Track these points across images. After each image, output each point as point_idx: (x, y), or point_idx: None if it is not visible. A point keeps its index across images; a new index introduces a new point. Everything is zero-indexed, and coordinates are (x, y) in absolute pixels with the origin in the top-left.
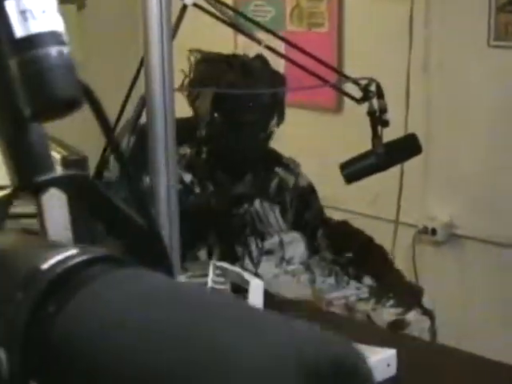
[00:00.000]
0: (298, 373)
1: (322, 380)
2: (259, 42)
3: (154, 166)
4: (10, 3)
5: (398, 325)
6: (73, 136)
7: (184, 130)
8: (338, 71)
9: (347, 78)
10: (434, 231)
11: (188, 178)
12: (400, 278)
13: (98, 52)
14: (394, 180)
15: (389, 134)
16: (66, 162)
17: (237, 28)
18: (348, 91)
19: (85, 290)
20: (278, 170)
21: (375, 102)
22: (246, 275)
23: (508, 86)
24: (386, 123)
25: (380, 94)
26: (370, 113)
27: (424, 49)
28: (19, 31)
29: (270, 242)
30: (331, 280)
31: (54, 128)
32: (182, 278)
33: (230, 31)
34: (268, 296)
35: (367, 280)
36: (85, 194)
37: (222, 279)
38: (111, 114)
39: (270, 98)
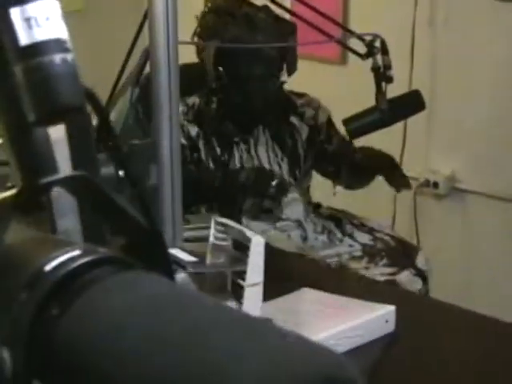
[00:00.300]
0: (289, 382)
1: None
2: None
3: (158, 121)
4: (15, 11)
5: (389, 285)
6: None
7: (195, 79)
8: (343, 26)
9: (352, 33)
10: (435, 184)
11: (194, 131)
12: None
13: (99, 0)
14: (397, 134)
15: (393, 90)
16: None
17: None
18: (353, 46)
19: (88, 293)
20: (293, 119)
21: (379, 58)
22: (248, 232)
23: None
24: (390, 79)
25: (384, 51)
26: (374, 69)
27: (430, 4)
28: (24, 39)
29: (269, 201)
30: (323, 237)
31: None
32: (184, 230)
33: None
34: (270, 251)
35: (362, 237)
36: (89, 195)
37: (223, 235)
38: (113, 64)
39: (277, 49)
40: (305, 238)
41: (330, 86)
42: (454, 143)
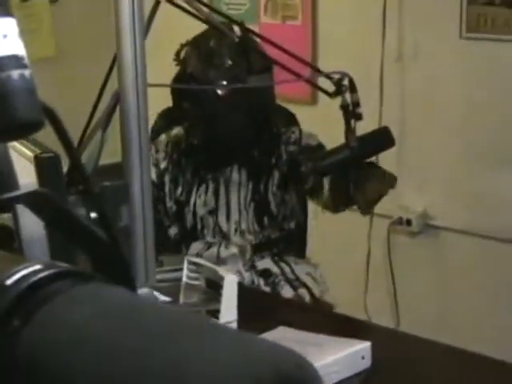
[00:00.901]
0: (247, 381)
1: None
2: (233, 37)
3: (128, 162)
4: None
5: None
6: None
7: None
8: (312, 66)
9: (320, 72)
10: (408, 222)
11: (162, 165)
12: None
13: (71, 46)
14: None
15: (363, 126)
16: (38, 160)
17: (210, 23)
18: (322, 85)
19: (49, 305)
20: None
21: (348, 95)
22: (221, 271)
23: (480, 78)
24: (359, 116)
25: (353, 88)
26: (343, 106)
27: (397, 40)
28: None
29: (208, 254)
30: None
31: None
32: (157, 272)
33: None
34: (242, 290)
35: (287, 292)
36: (49, 211)
37: (196, 274)
38: (85, 109)
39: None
40: None
41: (301, 125)
42: (425, 178)
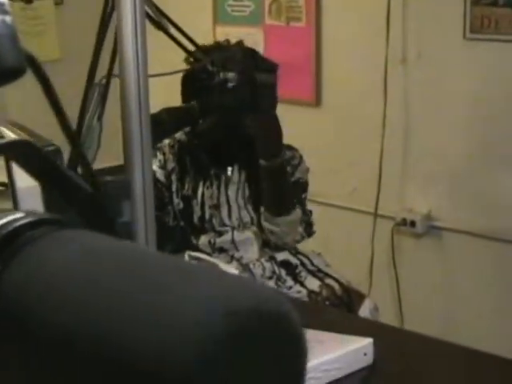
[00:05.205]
0: (224, 317)
1: (246, 324)
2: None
3: (129, 157)
4: None
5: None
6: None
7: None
8: None
9: None
10: (412, 223)
11: (170, 166)
12: None
13: (76, 49)
14: (372, 173)
15: (368, 126)
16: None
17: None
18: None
19: (29, 248)
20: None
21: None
22: (221, 265)
23: (484, 78)
24: None
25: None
26: None
27: (401, 42)
28: None
29: (222, 240)
30: (271, 283)
31: (33, 123)
32: None
33: (209, 23)
34: None
35: (312, 284)
36: (33, 161)
37: None
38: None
39: (249, 88)
40: None
41: (304, 127)
42: (429, 179)
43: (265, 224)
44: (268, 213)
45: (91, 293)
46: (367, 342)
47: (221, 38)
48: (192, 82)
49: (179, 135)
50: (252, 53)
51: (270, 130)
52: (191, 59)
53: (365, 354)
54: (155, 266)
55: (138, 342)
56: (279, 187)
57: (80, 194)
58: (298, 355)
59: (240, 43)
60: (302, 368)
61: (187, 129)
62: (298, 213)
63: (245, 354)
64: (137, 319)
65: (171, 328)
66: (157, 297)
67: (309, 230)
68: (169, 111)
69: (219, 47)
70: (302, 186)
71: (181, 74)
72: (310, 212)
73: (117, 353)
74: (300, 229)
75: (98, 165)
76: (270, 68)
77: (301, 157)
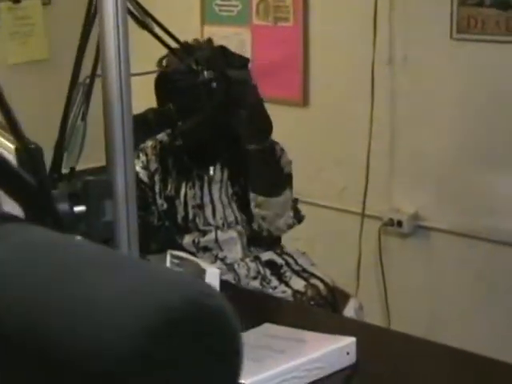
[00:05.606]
0: (158, 311)
1: (180, 318)
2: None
3: (111, 157)
4: None
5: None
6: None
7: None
8: None
9: None
10: (399, 223)
11: (153, 167)
12: None
13: (64, 49)
14: (359, 173)
15: (355, 127)
16: (19, 152)
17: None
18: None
19: None
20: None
21: None
22: (203, 264)
23: (471, 79)
24: None
25: None
26: None
27: (388, 41)
28: None
29: (206, 239)
30: (256, 283)
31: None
32: None
33: (197, 22)
34: (225, 285)
35: (297, 284)
36: None
37: (178, 268)
38: None
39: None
40: (237, 282)
41: (292, 127)
42: (416, 179)
43: (256, 211)
44: (260, 195)
45: (24, 286)
46: (350, 341)
47: (207, 32)
48: (165, 84)
49: (161, 136)
50: (222, 50)
51: (258, 113)
52: (163, 62)
53: (347, 353)
54: (92, 261)
55: (74, 336)
56: (270, 168)
57: (27, 191)
58: (232, 350)
59: (209, 41)
60: (237, 362)
61: (169, 130)
62: (288, 194)
63: (179, 348)
64: (73, 314)
65: (107, 322)
66: (91, 291)
67: (298, 216)
68: (155, 111)
69: (189, 47)
70: (286, 177)
71: None
72: (296, 200)
73: (56, 351)
74: (290, 213)
75: (82, 165)
76: (242, 63)
77: (282, 149)
